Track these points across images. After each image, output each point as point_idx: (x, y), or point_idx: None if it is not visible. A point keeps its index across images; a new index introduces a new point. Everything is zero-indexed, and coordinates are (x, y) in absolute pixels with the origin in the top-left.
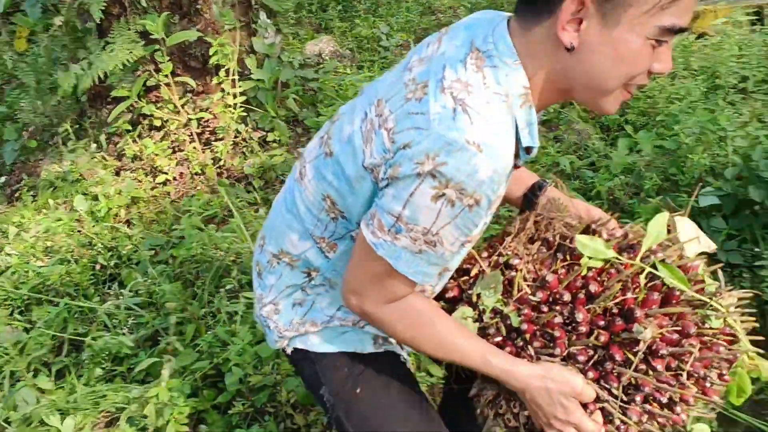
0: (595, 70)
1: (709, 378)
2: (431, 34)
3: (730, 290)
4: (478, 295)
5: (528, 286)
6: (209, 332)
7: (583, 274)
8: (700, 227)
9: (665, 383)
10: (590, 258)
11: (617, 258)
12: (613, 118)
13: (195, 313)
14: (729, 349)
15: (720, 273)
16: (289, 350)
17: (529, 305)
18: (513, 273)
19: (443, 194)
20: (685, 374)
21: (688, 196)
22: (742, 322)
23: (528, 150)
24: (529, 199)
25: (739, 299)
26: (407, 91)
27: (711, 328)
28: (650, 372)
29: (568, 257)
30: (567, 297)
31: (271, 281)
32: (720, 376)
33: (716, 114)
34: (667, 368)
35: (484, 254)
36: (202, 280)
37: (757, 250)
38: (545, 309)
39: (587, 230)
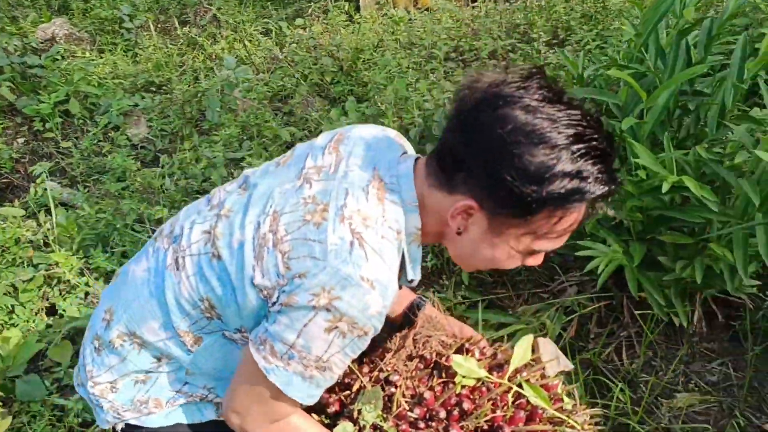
0: (467, 253)
1: None
2: (323, 133)
3: (584, 408)
4: (359, 411)
5: (406, 402)
6: None
7: (457, 392)
8: None
9: None
10: (464, 377)
11: (488, 377)
12: (339, 90)
13: None
14: None
15: (575, 391)
16: (119, 428)
17: (407, 421)
18: (393, 389)
19: (336, 327)
20: None
21: None
22: None
23: (410, 281)
24: (408, 317)
25: (591, 416)
26: (305, 211)
27: None
28: None
29: (443, 375)
30: (442, 414)
31: (111, 362)
32: None
33: (419, 82)
34: None
35: (366, 369)
36: None
37: None
38: (422, 425)
39: (461, 349)
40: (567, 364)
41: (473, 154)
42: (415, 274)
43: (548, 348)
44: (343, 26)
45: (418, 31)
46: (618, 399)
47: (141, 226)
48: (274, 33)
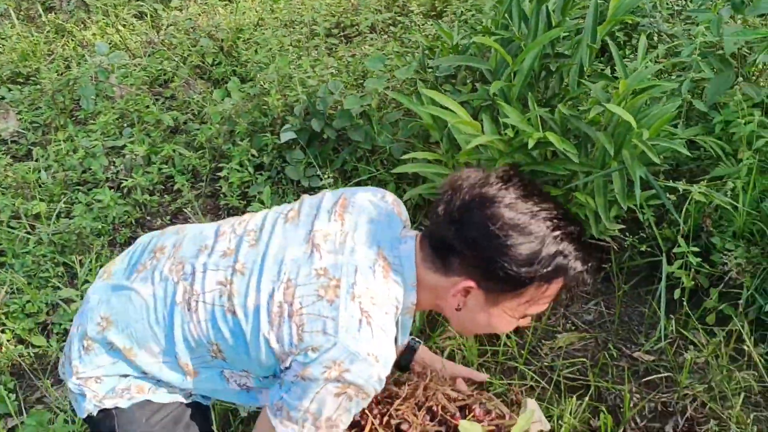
0: (466, 324)
1: None
2: (325, 193)
3: None
4: None
5: None
6: None
7: None
8: (287, 162)
9: None
10: None
11: None
12: (221, 71)
13: None
14: None
15: None
16: (95, 412)
17: None
18: None
19: (345, 392)
20: None
21: (271, 135)
22: None
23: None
24: (406, 360)
25: None
26: (318, 285)
27: None
28: None
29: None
30: None
31: (101, 362)
32: None
33: (302, 59)
34: None
35: (375, 411)
36: None
37: (319, 173)
38: None
39: (464, 406)
40: (545, 423)
41: (468, 245)
42: (403, 339)
43: (532, 407)
44: (221, 6)
45: (299, 8)
46: (505, 345)
47: (17, 222)
48: (149, 16)
